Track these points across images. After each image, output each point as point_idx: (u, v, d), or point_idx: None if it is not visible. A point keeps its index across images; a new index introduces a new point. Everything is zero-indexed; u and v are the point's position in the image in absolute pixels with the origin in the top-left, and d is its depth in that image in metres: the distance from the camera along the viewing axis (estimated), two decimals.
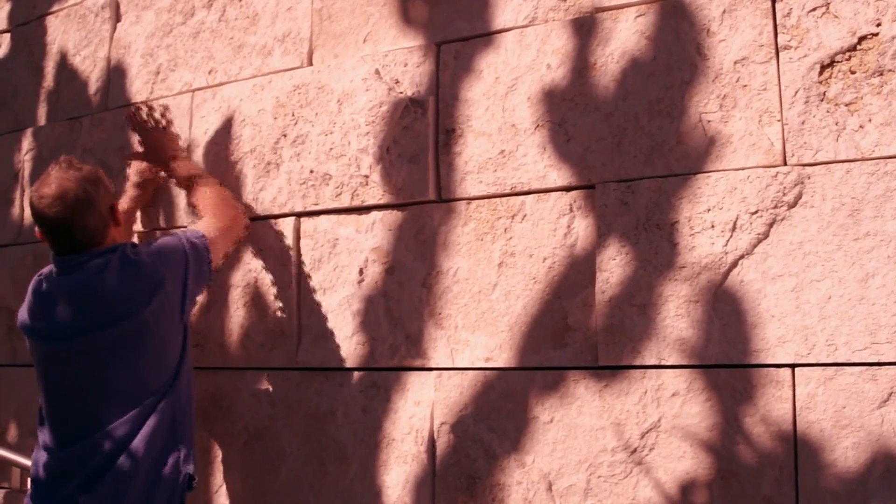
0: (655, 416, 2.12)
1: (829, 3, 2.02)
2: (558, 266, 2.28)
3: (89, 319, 2.35)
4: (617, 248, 2.20)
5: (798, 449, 1.96)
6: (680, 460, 2.08)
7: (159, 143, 2.77)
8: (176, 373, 2.43)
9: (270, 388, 2.69)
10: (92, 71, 3.31)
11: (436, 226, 2.46)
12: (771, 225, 2.03)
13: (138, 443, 2.32)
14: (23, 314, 2.47)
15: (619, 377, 2.17)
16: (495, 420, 2.32)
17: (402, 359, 2.47)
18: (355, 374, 2.55)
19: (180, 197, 2.93)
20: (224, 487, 2.74)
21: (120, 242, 2.47)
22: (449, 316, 2.40)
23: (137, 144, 2.89)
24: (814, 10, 2.03)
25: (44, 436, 2.43)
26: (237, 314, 2.76)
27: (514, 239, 2.34)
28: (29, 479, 2.47)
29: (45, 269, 2.48)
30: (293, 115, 2.72)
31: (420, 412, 2.43)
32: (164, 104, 2.86)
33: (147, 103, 2.84)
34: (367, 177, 2.56)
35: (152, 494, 2.33)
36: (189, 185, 2.70)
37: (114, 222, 2.46)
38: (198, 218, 2.71)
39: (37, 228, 2.41)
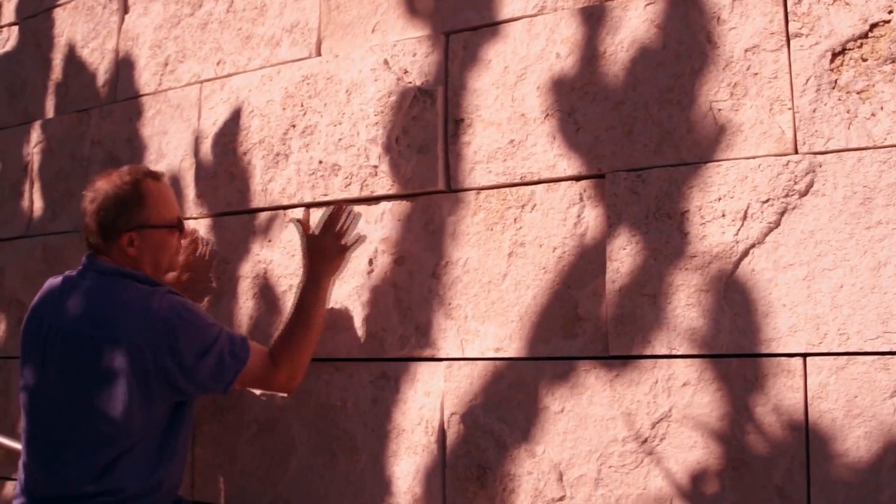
0: (666, 405, 2.11)
1: None
2: (568, 256, 2.27)
3: (83, 333, 2.30)
4: (627, 237, 2.19)
5: (810, 438, 1.96)
6: (691, 450, 2.08)
7: (329, 251, 2.50)
8: (146, 442, 2.29)
9: None
10: (100, 63, 3.31)
11: (445, 216, 2.45)
12: (782, 214, 2.03)
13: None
14: (32, 305, 2.46)
15: (629, 367, 2.17)
16: (505, 410, 2.32)
17: (411, 349, 2.47)
18: (365, 365, 2.55)
19: (190, 188, 2.93)
20: (234, 478, 2.75)
21: (140, 265, 2.41)
22: (459, 306, 2.40)
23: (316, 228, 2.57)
24: None
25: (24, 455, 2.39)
26: (246, 305, 2.76)
27: (524, 229, 2.33)
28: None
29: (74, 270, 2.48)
30: (302, 105, 2.71)
31: (430, 402, 2.43)
32: (358, 214, 2.55)
33: (356, 214, 2.54)
34: (376, 167, 2.55)
35: None
36: (300, 302, 2.47)
37: (117, 246, 2.38)
38: (274, 340, 2.50)
39: None
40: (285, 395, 2.57)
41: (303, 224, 2.58)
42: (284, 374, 2.42)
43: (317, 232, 2.53)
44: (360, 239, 2.54)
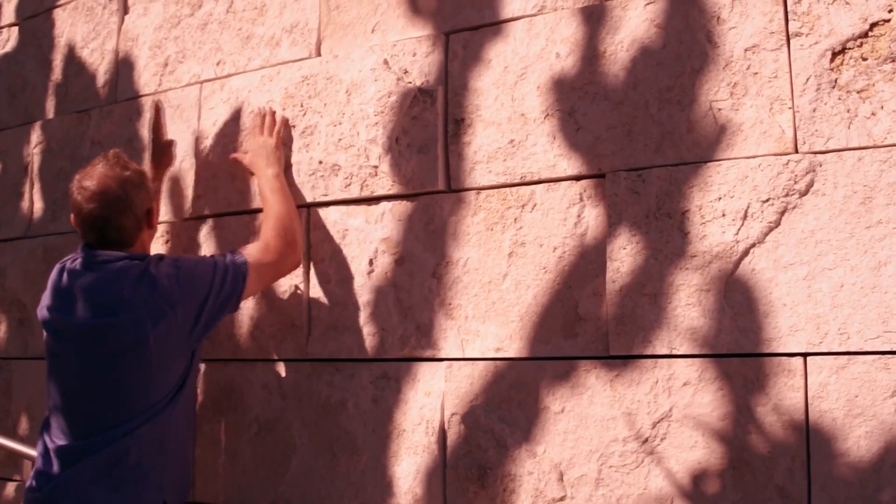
0: (667, 405, 2.11)
1: None
2: (569, 255, 2.27)
3: (99, 320, 2.34)
4: (627, 237, 2.19)
5: (810, 438, 1.96)
6: (692, 450, 2.08)
7: (264, 149, 2.65)
8: (172, 396, 2.39)
9: (281, 379, 2.69)
10: (100, 63, 3.31)
11: (445, 216, 2.45)
12: (782, 213, 2.02)
13: (121, 465, 2.31)
14: (42, 303, 2.49)
15: (630, 367, 2.17)
16: (506, 410, 2.32)
17: (412, 349, 2.47)
18: (366, 365, 2.55)
19: (190, 188, 2.93)
20: (235, 478, 2.75)
21: (147, 249, 2.50)
22: (459, 306, 2.40)
23: (244, 146, 2.78)
24: None
25: (50, 429, 2.43)
26: (247, 305, 2.76)
27: (524, 228, 2.33)
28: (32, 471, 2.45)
29: (69, 258, 2.49)
30: (302, 105, 2.71)
31: (430, 403, 2.43)
32: (276, 113, 2.74)
33: (271, 111, 2.74)
34: (376, 167, 2.55)
35: None
36: (265, 198, 2.58)
37: (147, 225, 2.47)
38: (255, 237, 2.61)
39: (72, 216, 2.45)
40: (294, 268, 2.60)
41: (240, 160, 2.73)
42: (283, 244, 2.51)
43: (249, 143, 2.69)
44: (284, 123, 2.71)
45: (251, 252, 2.47)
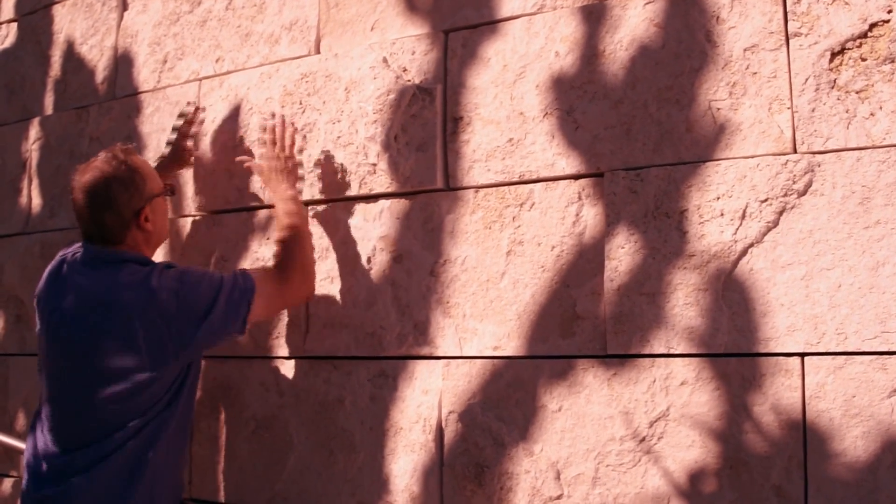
0: (664, 404, 2.11)
1: None
2: (567, 254, 2.27)
3: (90, 320, 2.31)
4: (626, 236, 2.19)
5: (807, 438, 1.96)
6: (689, 449, 2.08)
7: (280, 165, 2.56)
8: (163, 408, 2.33)
9: (279, 377, 2.69)
10: (99, 60, 3.31)
11: (444, 214, 2.45)
12: (781, 213, 2.03)
13: (85, 480, 2.27)
14: (37, 290, 2.48)
15: (627, 366, 2.17)
16: (503, 409, 2.32)
17: (409, 347, 2.47)
18: (363, 363, 2.55)
19: (188, 185, 2.93)
20: (232, 476, 2.75)
21: (142, 249, 2.41)
22: (457, 304, 2.40)
23: (259, 156, 2.71)
24: None
25: (41, 424, 2.42)
26: None
27: (523, 227, 2.33)
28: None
29: (70, 250, 2.48)
30: (301, 103, 2.71)
31: (428, 401, 2.43)
32: (285, 122, 2.64)
33: (292, 125, 2.64)
34: (374, 165, 2.55)
35: None
36: (281, 220, 2.49)
37: (137, 227, 2.38)
38: (270, 262, 2.52)
39: None
40: (306, 300, 2.57)
41: (254, 170, 2.67)
42: (297, 274, 2.45)
43: (263, 156, 2.61)
44: (296, 134, 2.64)
45: (263, 277, 2.41)
